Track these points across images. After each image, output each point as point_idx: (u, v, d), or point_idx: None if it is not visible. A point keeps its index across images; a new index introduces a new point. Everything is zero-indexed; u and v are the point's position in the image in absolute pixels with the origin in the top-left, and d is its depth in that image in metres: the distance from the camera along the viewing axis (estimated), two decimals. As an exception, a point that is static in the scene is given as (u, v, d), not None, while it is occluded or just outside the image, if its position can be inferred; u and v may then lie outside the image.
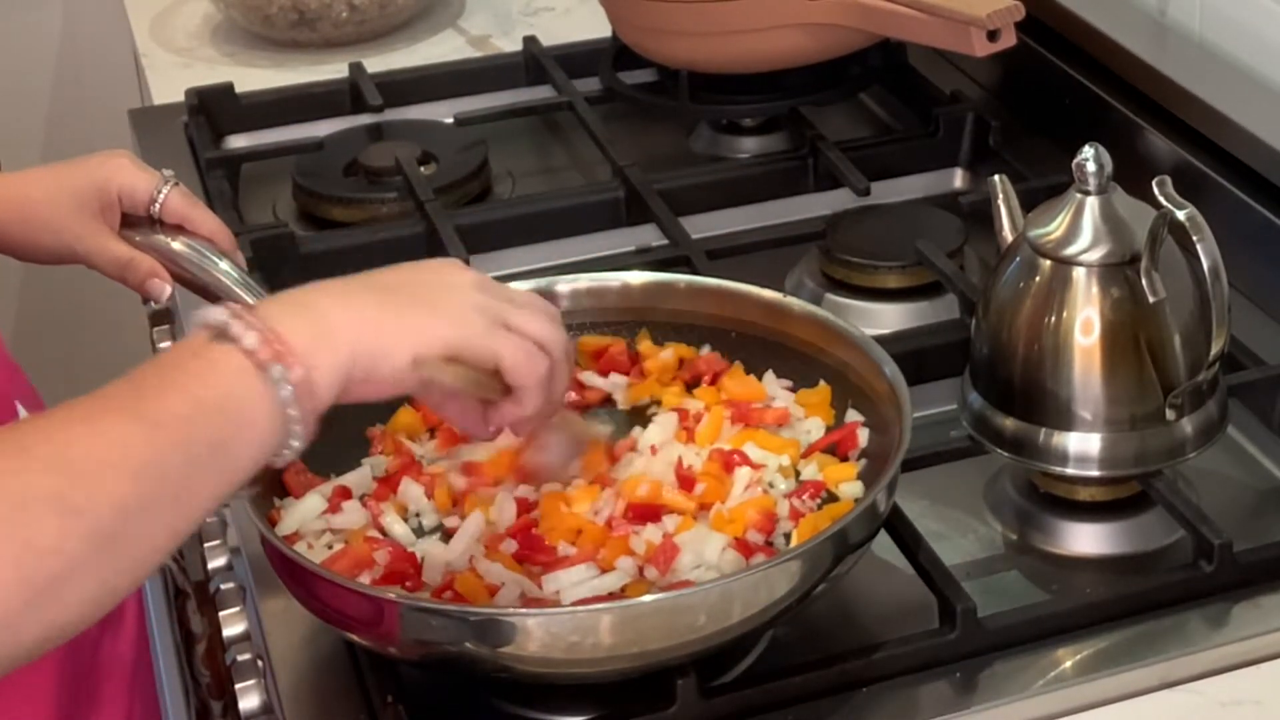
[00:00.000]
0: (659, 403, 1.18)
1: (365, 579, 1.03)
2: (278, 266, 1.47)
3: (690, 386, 1.19)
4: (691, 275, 1.30)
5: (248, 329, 0.86)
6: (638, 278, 1.24)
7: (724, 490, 1.09)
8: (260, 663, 1.13)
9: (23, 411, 1.10)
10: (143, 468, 0.81)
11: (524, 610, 0.99)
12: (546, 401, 0.99)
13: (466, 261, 1.45)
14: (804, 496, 1.08)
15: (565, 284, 1.23)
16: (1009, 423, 1.16)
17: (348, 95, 1.77)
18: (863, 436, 1.12)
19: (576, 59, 1.79)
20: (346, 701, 1.05)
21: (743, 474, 1.10)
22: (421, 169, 1.60)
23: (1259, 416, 1.25)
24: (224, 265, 1.22)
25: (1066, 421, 1.13)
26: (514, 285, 1.09)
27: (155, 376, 0.85)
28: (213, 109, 1.75)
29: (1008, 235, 1.18)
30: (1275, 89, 1.44)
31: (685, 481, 1.09)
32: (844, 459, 1.12)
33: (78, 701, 1.09)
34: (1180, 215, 1.09)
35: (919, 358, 1.26)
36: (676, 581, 1.02)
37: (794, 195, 1.58)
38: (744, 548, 1.04)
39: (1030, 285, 1.14)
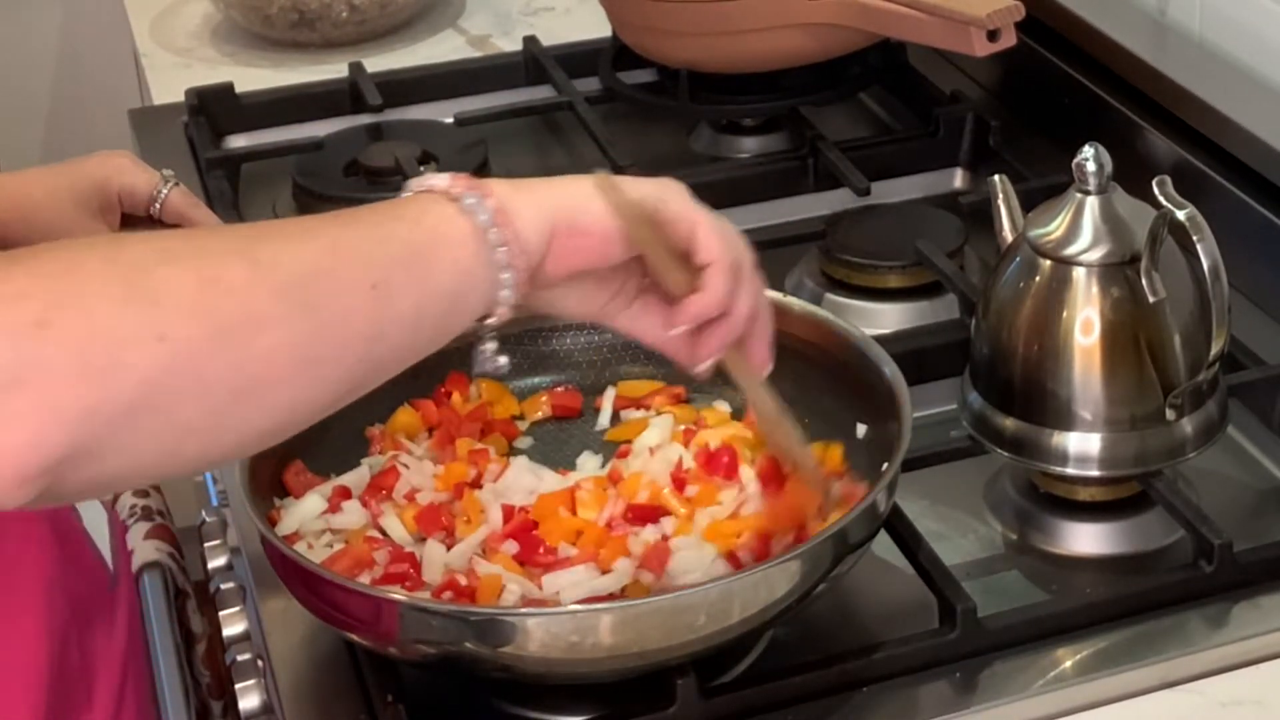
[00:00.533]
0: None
1: (365, 579, 1.03)
2: (278, 266, 1.47)
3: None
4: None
5: (439, 176, 0.88)
6: (638, 278, 1.24)
7: (713, 494, 1.09)
8: (260, 663, 1.13)
9: None
10: (334, 245, 0.82)
11: (524, 610, 0.99)
12: (736, 302, 0.96)
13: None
14: None
15: (565, 284, 1.23)
16: (1009, 423, 1.16)
17: (348, 95, 1.77)
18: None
19: (576, 59, 1.79)
20: (346, 701, 1.05)
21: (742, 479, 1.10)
22: (421, 169, 1.60)
23: (1259, 416, 1.25)
24: (224, 265, 1.21)
25: (1066, 421, 1.13)
26: None
27: (389, 236, 0.86)
28: (213, 109, 1.75)
29: (1008, 235, 1.18)
30: (1275, 89, 1.44)
31: (679, 483, 1.09)
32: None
33: (64, 698, 1.09)
34: (1180, 215, 1.09)
35: (919, 358, 1.26)
36: (671, 586, 1.02)
37: (794, 195, 1.58)
38: (734, 561, 1.04)
39: (1030, 285, 1.14)
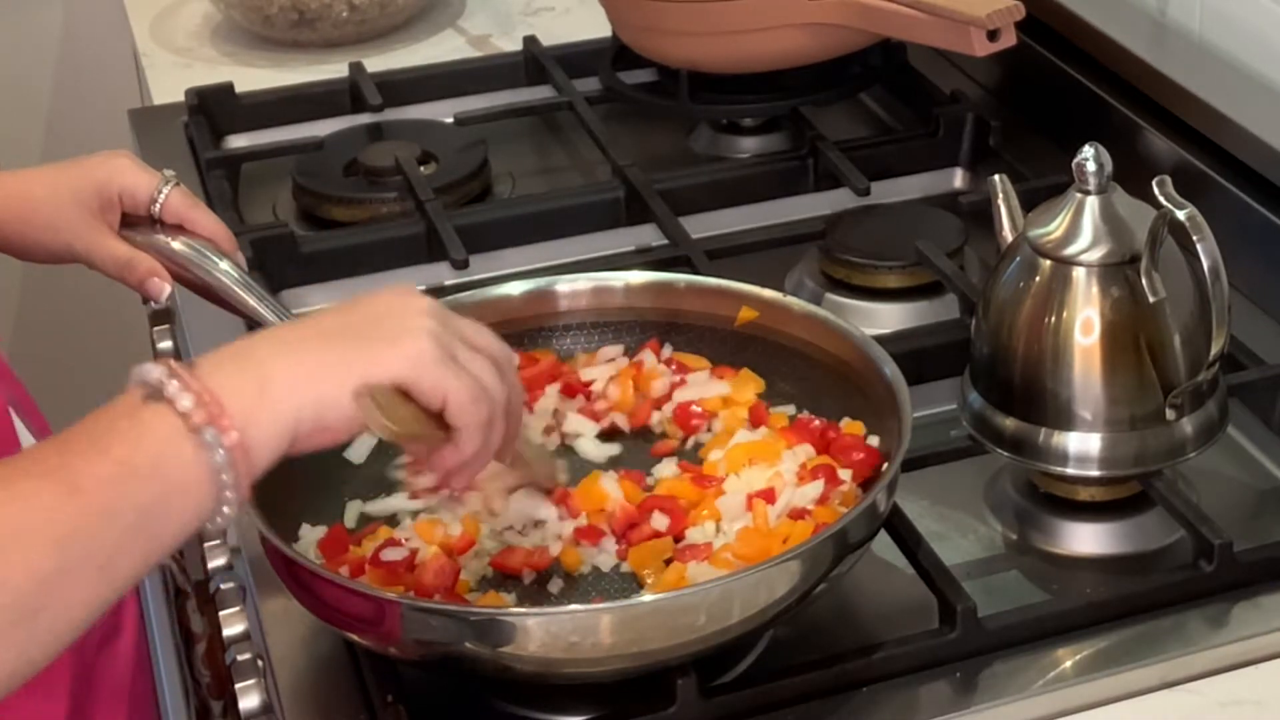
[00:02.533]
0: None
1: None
2: (278, 266, 1.48)
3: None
4: (691, 275, 1.30)
5: (183, 390, 0.83)
6: (638, 278, 1.24)
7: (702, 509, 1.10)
8: (260, 663, 1.13)
9: (16, 419, 1.10)
10: (66, 537, 0.79)
11: (524, 610, 0.99)
12: (485, 449, 0.95)
13: (465, 263, 1.46)
14: None
15: (565, 284, 1.23)
16: (1009, 423, 1.16)
17: (348, 95, 1.77)
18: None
19: (576, 59, 1.79)
20: (346, 701, 1.05)
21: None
22: (421, 169, 1.60)
23: (1259, 416, 1.25)
24: (224, 265, 1.22)
25: (1066, 421, 1.13)
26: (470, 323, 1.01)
27: (84, 438, 0.83)
28: (213, 109, 1.75)
29: (1008, 235, 1.18)
30: (1275, 89, 1.44)
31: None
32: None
33: (79, 707, 1.09)
34: (1180, 215, 1.09)
35: (919, 358, 1.26)
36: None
37: (794, 195, 1.58)
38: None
39: (1030, 285, 1.14)
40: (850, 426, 1.13)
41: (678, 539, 1.07)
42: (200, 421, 0.83)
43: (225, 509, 0.85)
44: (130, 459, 0.82)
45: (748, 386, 1.18)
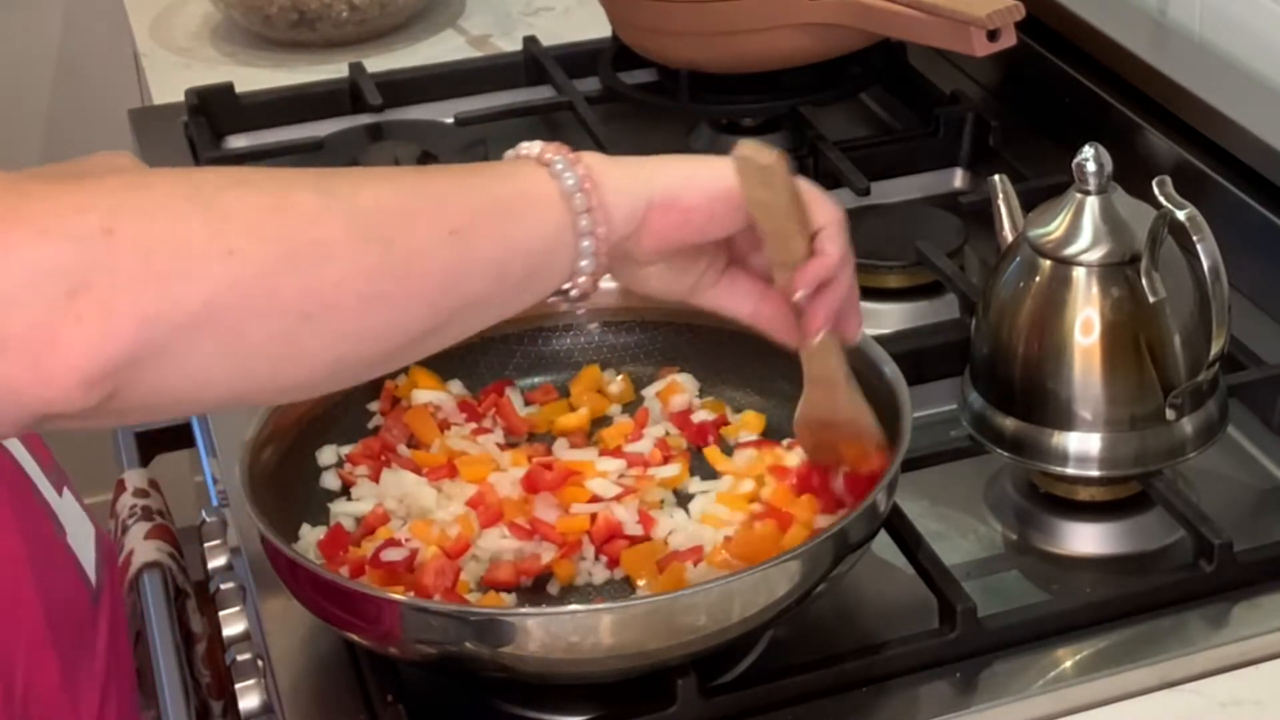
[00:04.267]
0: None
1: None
2: (278, 266, 1.47)
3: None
4: (691, 275, 1.30)
5: (533, 144, 0.90)
6: (638, 278, 1.24)
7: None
8: (260, 663, 1.13)
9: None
10: (413, 187, 0.83)
11: (524, 610, 0.99)
12: (846, 264, 0.97)
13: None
14: None
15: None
16: (1009, 423, 1.16)
17: (348, 95, 1.77)
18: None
19: (576, 59, 1.79)
20: (346, 701, 1.05)
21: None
22: (421, 169, 1.60)
23: (1259, 416, 1.25)
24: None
25: (1066, 421, 1.13)
26: None
27: (478, 189, 0.87)
28: (213, 109, 1.75)
29: (1008, 235, 1.18)
30: (1275, 89, 1.44)
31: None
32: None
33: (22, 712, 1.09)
34: (1180, 215, 1.09)
35: (919, 358, 1.26)
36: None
37: (794, 195, 1.58)
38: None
39: (1030, 285, 1.14)
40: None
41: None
42: (551, 155, 0.90)
43: (584, 246, 0.89)
44: (483, 166, 0.89)
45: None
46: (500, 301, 0.88)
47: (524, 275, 0.88)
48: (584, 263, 0.89)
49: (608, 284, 1.21)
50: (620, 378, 1.22)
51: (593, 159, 0.91)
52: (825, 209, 0.96)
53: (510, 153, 0.92)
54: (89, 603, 1.20)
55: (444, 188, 0.85)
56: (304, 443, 1.14)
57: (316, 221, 0.79)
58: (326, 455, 1.15)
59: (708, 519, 1.09)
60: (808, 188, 0.96)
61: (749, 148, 0.94)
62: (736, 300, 1.00)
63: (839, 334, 1.01)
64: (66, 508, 1.19)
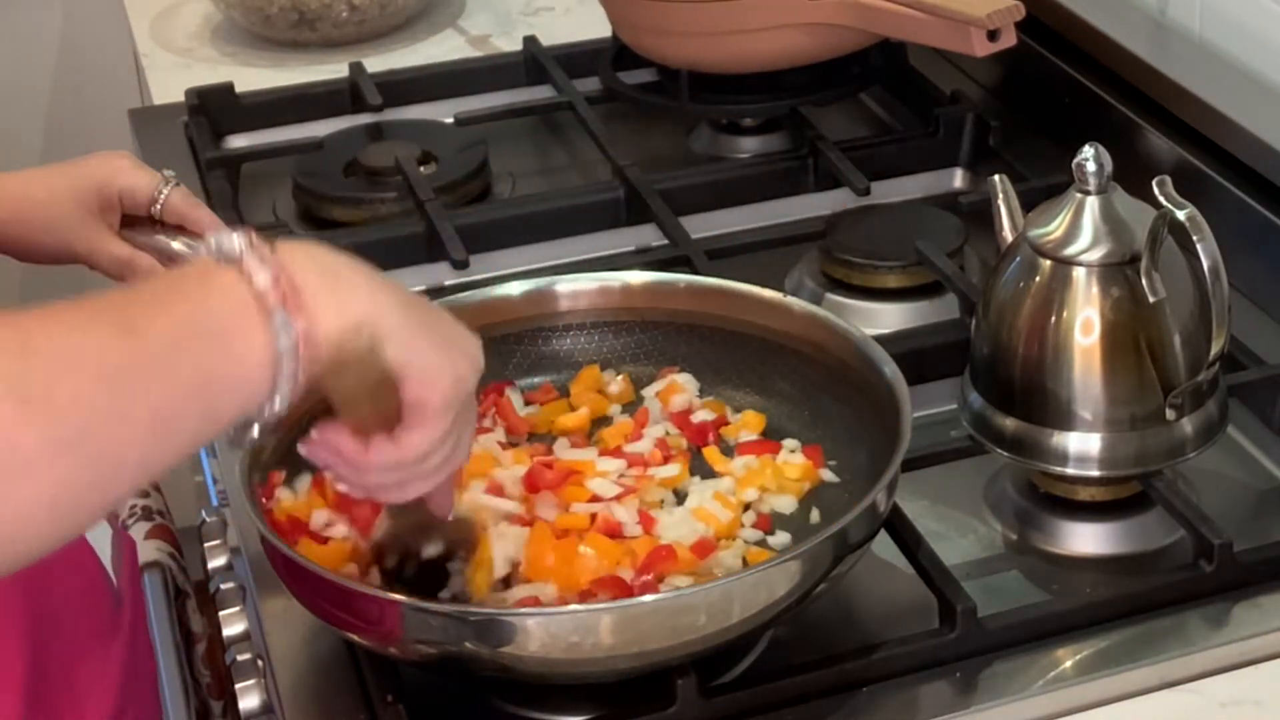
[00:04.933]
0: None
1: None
2: (278, 266, 1.47)
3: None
4: (691, 275, 1.30)
5: (262, 265, 0.81)
6: (638, 278, 1.24)
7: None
8: (260, 663, 1.13)
9: None
10: (116, 374, 0.76)
11: (524, 610, 0.99)
12: (448, 463, 0.93)
13: (465, 263, 1.46)
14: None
15: (565, 284, 1.23)
16: (1009, 423, 1.16)
17: (348, 95, 1.77)
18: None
19: (576, 59, 1.79)
20: (346, 701, 1.05)
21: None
22: (421, 169, 1.60)
23: (1259, 416, 1.25)
24: (224, 265, 1.21)
25: (1066, 421, 1.13)
26: None
27: (149, 294, 0.80)
28: (213, 109, 1.75)
29: (1008, 235, 1.18)
30: (1275, 89, 1.44)
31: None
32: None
33: (47, 700, 1.09)
34: (1180, 215, 1.09)
35: (919, 358, 1.26)
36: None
37: (794, 195, 1.58)
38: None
39: (1030, 285, 1.14)
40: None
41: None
42: (273, 302, 0.81)
43: (278, 399, 0.82)
44: (193, 319, 0.79)
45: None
46: (184, 455, 0.82)
47: (213, 435, 0.82)
48: (269, 409, 0.83)
49: (606, 283, 1.23)
50: (620, 378, 1.22)
51: (315, 302, 0.82)
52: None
53: (228, 251, 0.82)
54: (111, 601, 1.21)
55: (151, 364, 0.78)
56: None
57: (7, 441, 0.73)
58: None
59: (700, 514, 1.09)
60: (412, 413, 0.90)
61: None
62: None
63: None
64: None
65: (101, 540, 1.21)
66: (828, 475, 1.13)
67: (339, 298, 0.84)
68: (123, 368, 0.77)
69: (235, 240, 0.82)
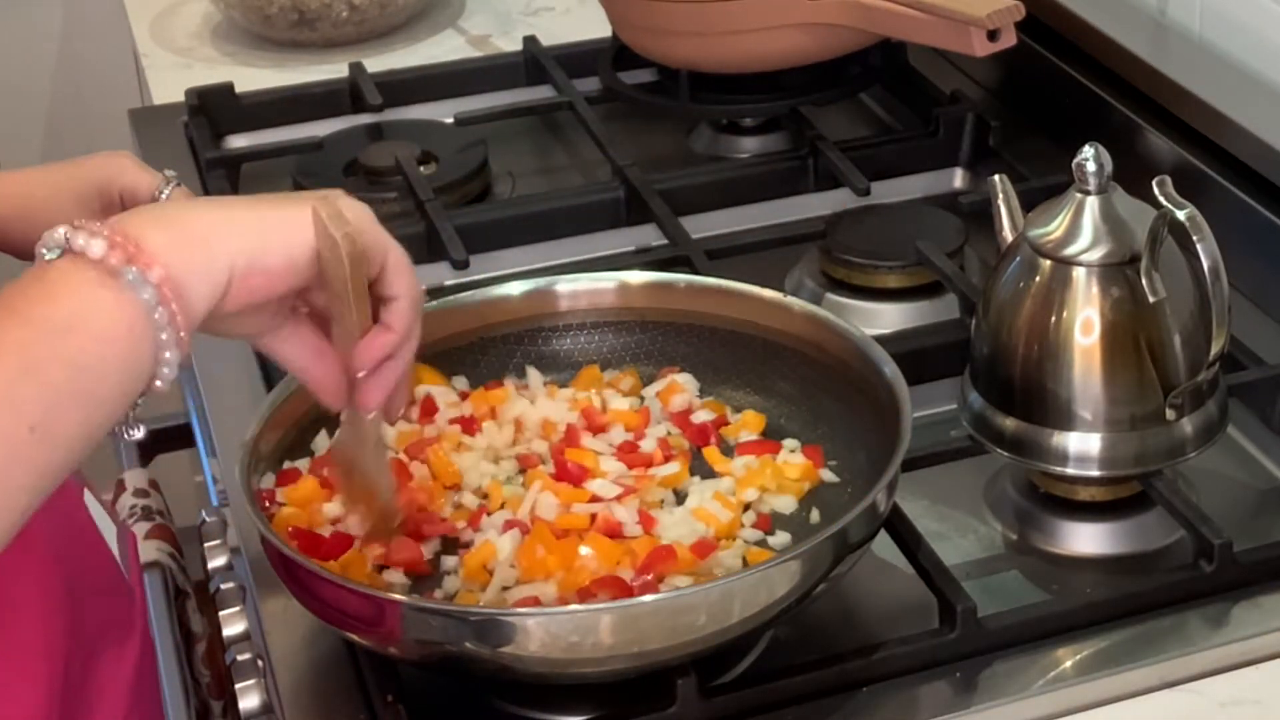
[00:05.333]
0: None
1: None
2: (278, 266, 1.47)
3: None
4: (691, 275, 1.30)
5: (92, 237, 0.78)
6: (638, 278, 1.24)
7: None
8: (260, 663, 1.13)
9: None
10: None
11: (524, 610, 0.99)
12: (409, 340, 0.92)
13: (465, 263, 1.46)
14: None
15: (565, 284, 1.23)
16: (1009, 423, 1.16)
17: (348, 95, 1.77)
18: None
19: (576, 59, 1.79)
20: (346, 701, 1.05)
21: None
22: (421, 169, 1.60)
23: (1259, 416, 1.25)
24: (224, 265, 1.21)
25: (1066, 421, 1.13)
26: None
27: None
28: (213, 109, 1.75)
29: (1008, 235, 1.18)
30: (1275, 89, 1.44)
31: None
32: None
33: (68, 711, 1.09)
34: (1180, 215, 1.09)
35: (919, 358, 1.26)
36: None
37: (794, 195, 1.58)
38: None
39: (1030, 285, 1.14)
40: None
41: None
42: (117, 263, 0.78)
43: (166, 355, 0.80)
44: (46, 315, 0.77)
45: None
46: (92, 439, 0.80)
47: (108, 415, 0.80)
48: (165, 370, 0.81)
49: (606, 283, 1.23)
50: (628, 374, 1.21)
51: (163, 245, 0.79)
52: (402, 281, 0.91)
53: (54, 242, 0.80)
54: (126, 594, 1.20)
55: (13, 374, 0.75)
56: (303, 442, 1.14)
57: None
58: None
59: (700, 514, 1.09)
60: (396, 256, 0.91)
61: (327, 207, 0.87)
62: (292, 351, 0.93)
63: (381, 413, 0.97)
64: (89, 503, 1.19)
65: (108, 534, 1.21)
66: (828, 475, 1.13)
67: (193, 238, 0.81)
68: None
69: (57, 231, 0.80)
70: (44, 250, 0.80)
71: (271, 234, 0.85)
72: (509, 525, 1.08)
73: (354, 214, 0.89)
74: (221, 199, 0.89)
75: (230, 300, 0.84)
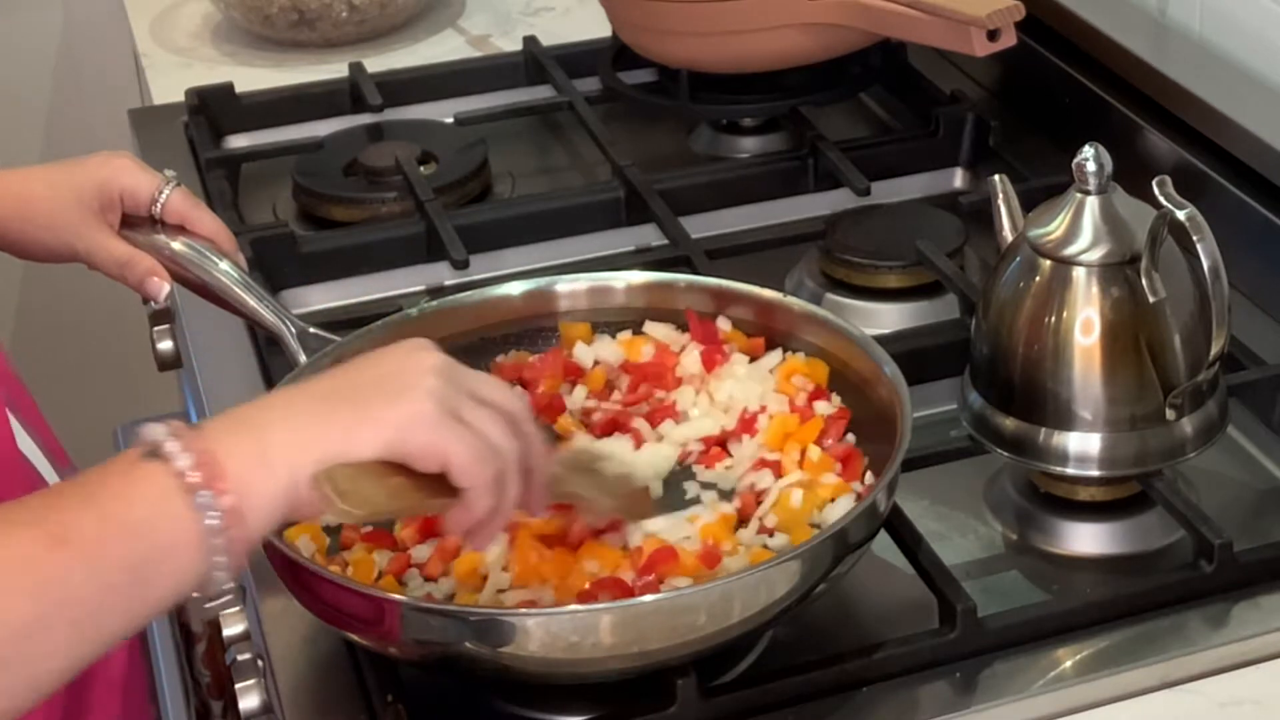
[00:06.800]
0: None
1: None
2: (278, 266, 1.48)
3: None
4: (691, 275, 1.30)
5: (183, 450, 0.82)
6: (638, 278, 1.24)
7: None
8: (260, 663, 1.13)
9: (13, 419, 1.10)
10: (43, 586, 0.77)
11: (524, 610, 0.99)
12: (499, 507, 0.92)
13: (465, 263, 1.46)
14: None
15: (565, 284, 1.23)
16: (1009, 423, 1.16)
17: (348, 95, 1.77)
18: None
19: (576, 59, 1.79)
20: (346, 701, 1.05)
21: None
22: (421, 169, 1.60)
23: (1259, 416, 1.25)
24: (224, 266, 1.22)
25: (1066, 421, 1.13)
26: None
27: (76, 492, 0.81)
28: (213, 109, 1.75)
29: (1008, 235, 1.18)
30: (1275, 89, 1.44)
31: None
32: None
33: (67, 710, 1.09)
34: (1180, 215, 1.09)
35: (919, 358, 1.26)
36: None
37: (794, 195, 1.58)
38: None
39: (1030, 285, 1.14)
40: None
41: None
42: (196, 482, 0.81)
43: (218, 574, 0.82)
44: (120, 515, 0.80)
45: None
46: (130, 629, 0.83)
47: (154, 610, 0.83)
48: (214, 584, 0.83)
49: (606, 283, 1.23)
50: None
51: (238, 471, 0.82)
52: (466, 472, 0.90)
53: (146, 437, 0.83)
54: None
55: (78, 571, 0.78)
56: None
57: None
58: None
59: (693, 517, 1.09)
60: (456, 445, 0.89)
61: (332, 480, 0.86)
62: None
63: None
64: None
65: None
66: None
67: (265, 465, 0.84)
68: (50, 579, 0.77)
69: (158, 428, 0.83)
70: (140, 442, 0.83)
71: (337, 441, 0.86)
72: None
73: (390, 433, 0.88)
74: (305, 394, 0.90)
75: (297, 516, 0.87)
